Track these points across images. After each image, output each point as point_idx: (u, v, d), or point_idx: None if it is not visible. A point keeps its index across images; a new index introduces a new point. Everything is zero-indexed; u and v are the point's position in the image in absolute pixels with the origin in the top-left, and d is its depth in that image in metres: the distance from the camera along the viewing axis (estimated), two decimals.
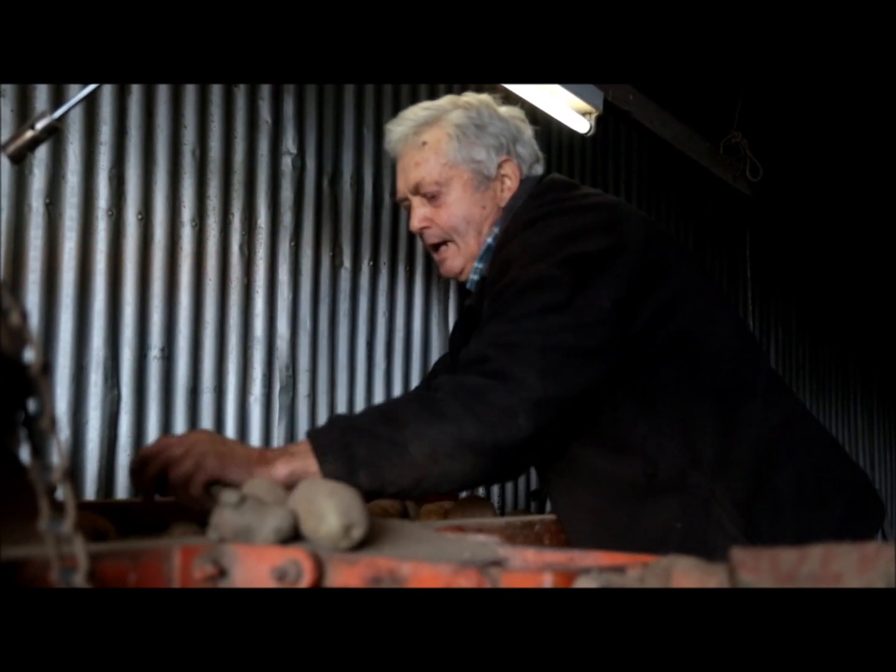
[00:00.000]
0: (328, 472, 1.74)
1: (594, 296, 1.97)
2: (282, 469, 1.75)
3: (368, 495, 1.78)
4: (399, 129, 2.28)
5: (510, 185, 2.27)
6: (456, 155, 2.21)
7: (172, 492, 1.74)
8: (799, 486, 2.11)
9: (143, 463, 1.78)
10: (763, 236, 6.60)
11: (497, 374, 1.87)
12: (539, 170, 2.35)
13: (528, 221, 2.16)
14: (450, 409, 1.82)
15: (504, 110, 2.33)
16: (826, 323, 7.72)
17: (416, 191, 2.24)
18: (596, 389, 1.99)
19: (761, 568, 1.00)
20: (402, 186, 2.29)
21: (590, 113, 3.44)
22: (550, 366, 1.88)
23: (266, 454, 1.82)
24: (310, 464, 1.76)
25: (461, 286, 2.53)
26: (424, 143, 2.22)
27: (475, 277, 2.27)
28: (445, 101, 2.31)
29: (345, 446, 1.76)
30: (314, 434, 1.82)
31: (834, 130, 6.56)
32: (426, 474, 1.80)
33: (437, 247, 2.30)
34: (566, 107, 3.36)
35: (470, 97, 2.32)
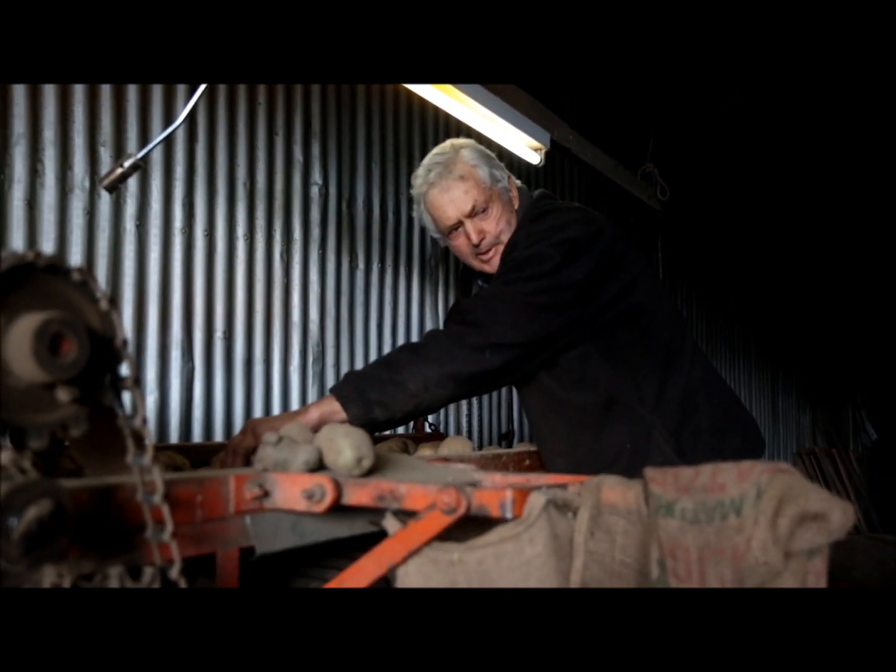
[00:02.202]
0: (352, 414, 1.77)
1: (573, 269, 2.00)
2: (314, 413, 1.77)
3: (384, 423, 1.84)
4: (432, 172, 2.20)
5: (514, 194, 2.29)
6: (487, 179, 2.18)
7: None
8: (713, 422, 2.16)
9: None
10: (670, 241, 6.62)
11: (472, 323, 1.91)
12: (520, 182, 2.36)
13: (532, 217, 2.20)
14: (433, 351, 1.85)
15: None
16: (718, 304, 7.75)
17: (472, 213, 2.17)
18: (560, 336, 2.03)
19: (667, 482, 1.00)
20: (455, 213, 2.18)
21: (540, 149, 3.42)
22: (524, 317, 1.93)
23: (302, 409, 1.82)
24: (336, 409, 1.78)
25: (447, 279, 2.48)
26: (462, 176, 2.16)
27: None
28: (447, 147, 2.26)
29: (360, 392, 1.78)
30: (336, 388, 1.82)
31: (721, 161, 6.58)
32: (422, 400, 1.83)
33: (483, 251, 2.23)
34: (522, 144, 3.34)
35: (455, 140, 2.29)
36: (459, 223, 2.20)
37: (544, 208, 2.23)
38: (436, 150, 2.29)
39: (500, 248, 2.22)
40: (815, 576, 0.87)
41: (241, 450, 1.68)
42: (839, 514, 0.84)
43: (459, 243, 2.26)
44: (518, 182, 2.35)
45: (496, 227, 2.20)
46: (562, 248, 2.01)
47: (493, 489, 1.07)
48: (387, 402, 1.79)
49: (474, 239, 2.19)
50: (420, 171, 2.25)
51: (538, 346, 1.99)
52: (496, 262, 2.22)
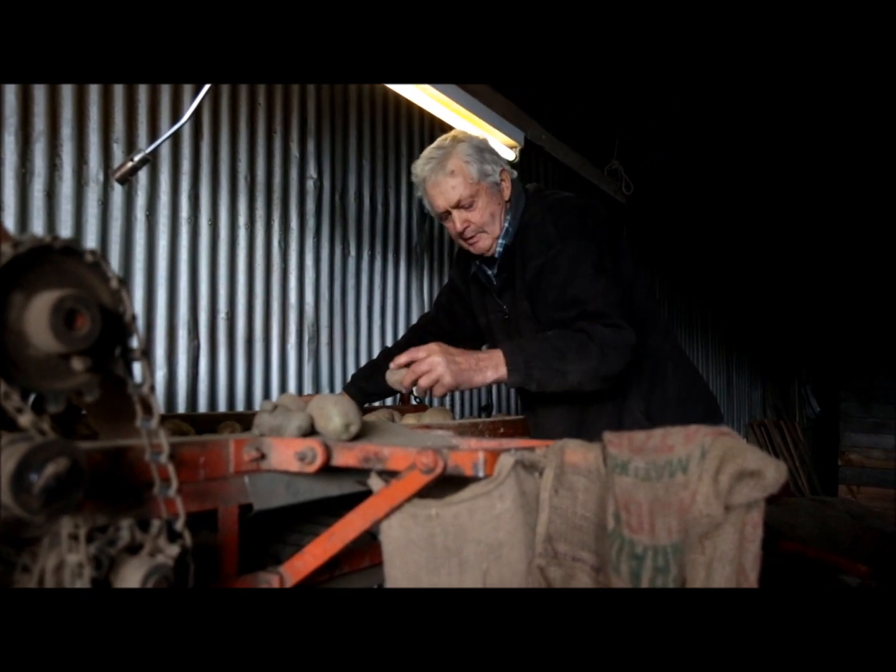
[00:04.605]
0: (512, 381, 1.90)
1: (607, 259, 2.13)
2: (491, 375, 1.88)
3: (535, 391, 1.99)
4: (427, 166, 2.24)
5: (507, 185, 2.29)
6: (475, 174, 2.20)
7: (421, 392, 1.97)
8: (679, 391, 2.24)
9: (399, 365, 1.91)
10: (635, 232, 6.63)
11: (614, 325, 2.00)
12: (515, 173, 2.37)
13: (546, 208, 2.23)
14: (593, 351, 1.93)
15: (481, 136, 2.35)
16: (678, 289, 7.78)
17: (457, 205, 2.22)
18: None
19: (622, 444, 1.01)
20: (444, 204, 2.24)
21: (515, 146, 3.42)
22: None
23: (480, 364, 1.90)
24: (503, 374, 1.90)
25: (431, 265, 2.49)
26: (452, 172, 2.20)
27: (500, 250, 2.29)
28: (447, 141, 2.28)
29: (528, 368, 1.89)
30: (509, 354, 1.92)
31: (679, 160, 6.60)
32: (572, 389, 1.97)
33: (468, 237, 2.29)
34: (499, 142, 3.35)
35: (458, 133, 2.32)
36: (448, 212, 2.25)
37: (553, 199, 2.29)
38: (437, 141, 2.31)
39: (484, 235, 2.26)
40: (752, 526, 0.89)
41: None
42: (773, 472, 0.86)
43: (449, 227, 2.32)
44: (514, 173, 2.36)
45: (480, 218, 2.23)
46: (594, 241, 2.11)
47: (468, 451, 1.09)
48: (545, 382, 1.92)
49: (458, 227, 2.25)
50: (420, 162, 2.29)
51: None
52: (479, 245, 2.29)
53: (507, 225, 2.29)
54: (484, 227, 2.25)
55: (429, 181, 2.25)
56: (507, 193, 2.29)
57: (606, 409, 2.18)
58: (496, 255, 2.31)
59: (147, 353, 0.85)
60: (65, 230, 2.54)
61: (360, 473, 1.18)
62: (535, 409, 2.33)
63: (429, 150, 2.29)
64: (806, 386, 11.21)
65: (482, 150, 2.26)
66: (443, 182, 2.22)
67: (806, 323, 10.63)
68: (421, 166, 2.28)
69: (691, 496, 0.90)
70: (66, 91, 2.57)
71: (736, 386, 9.51)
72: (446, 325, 2.67)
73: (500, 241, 2.29)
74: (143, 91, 2.79)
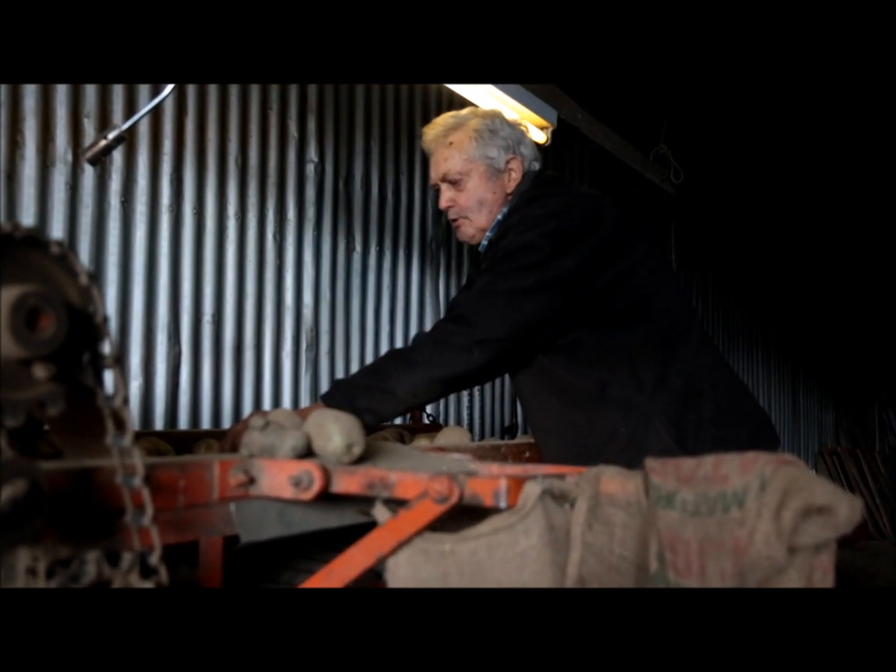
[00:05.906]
0: None
1: (564, 260, 2.05)
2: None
3: (375, 425, 2.02)
4: (433, 132, 2.32)
5: (515, 176, 2.31)
6: (474, 153, 2.26)
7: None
8: (717, 412, 2.18)
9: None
10: (684, 227, 6.60)
11: (458, 319, 2.00)
12: (537, 166, 2.39)
13: (528, 199, 2.25)
14: (420, 356, 1.95)
15: (511, 119, 2.39)
16: (736, 294, 7.74)
17: (444, 178, 2.28)
18: (548, 325, 2.08)
19: (667, 473, 1.01)
20: (434, 175, 2.32)
21: (546, 127, 3.41)
22: (510, 310, 2.00)
23: (295, 412, 1.91)
24: None
25: (449, 263, 2.50)
26: (451, 143, 2.27)
27: (485, 243, 2.33)
28: (467, 111, 2.36)
29: (350, 400, 1.87)
30: (326, 396, 1.92)
31: (738, 142, 6.57)
32: (411, 404, 1.98)
33: (451, 219, 2.35)
34: (527, 122, 3.34)
35: (484, 110, 2.40)
36: (439, 186, 2.34)
37: (543, 192, 2.28)
38: (457, 111, 2.38)
39: (466, 221, 2.31)
40: (822, 572, 0.88)
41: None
42: (846, 508, 0.85)
43: None
44: (534, 165, 2.37)
45: (466, 201, 2.29)
46: (553, 239, 2.06)
47: (488, 478, 1.09)
48: (376, 408, 1.91)
49: (441, 204, 2.33)
50: (429, 126, 2.37)
51: (525, 336, 2.06)
52: (462, 231, 2.35)
53: (499, 217, 2.31)
54: (468, 212, 2.30)
55: (430, 148, 2.34)
56: (511, 185, 2.32)
57: (619, 435, 2.12)
58: (480, 249, 2.36)
59: (120, 361, 0.85)
60: (27, 217, 2.56)
61: (363, 502, 1.17)
62: (533, 433, 2.32)
63: (442, 117, 2.36)
64: (888, 410, 11.12)
65: (495, 132, 2.30)
66: (438, 151, 2.30)
67: (887, 338, 10.54)
68: (428, 130, 2.36)
69: (749, 535, 0.89)
70: None
71: (803, 409, 9.45)
72: None
73: (488, 233, 2.32)
74: None
